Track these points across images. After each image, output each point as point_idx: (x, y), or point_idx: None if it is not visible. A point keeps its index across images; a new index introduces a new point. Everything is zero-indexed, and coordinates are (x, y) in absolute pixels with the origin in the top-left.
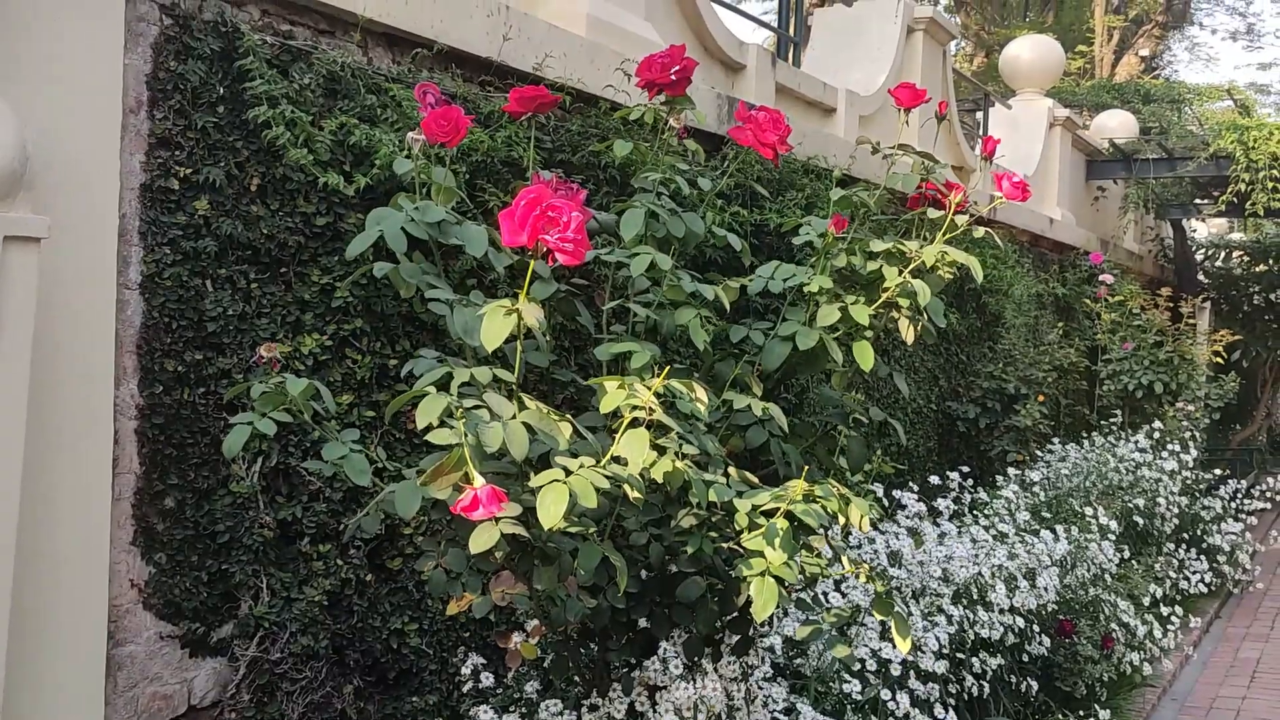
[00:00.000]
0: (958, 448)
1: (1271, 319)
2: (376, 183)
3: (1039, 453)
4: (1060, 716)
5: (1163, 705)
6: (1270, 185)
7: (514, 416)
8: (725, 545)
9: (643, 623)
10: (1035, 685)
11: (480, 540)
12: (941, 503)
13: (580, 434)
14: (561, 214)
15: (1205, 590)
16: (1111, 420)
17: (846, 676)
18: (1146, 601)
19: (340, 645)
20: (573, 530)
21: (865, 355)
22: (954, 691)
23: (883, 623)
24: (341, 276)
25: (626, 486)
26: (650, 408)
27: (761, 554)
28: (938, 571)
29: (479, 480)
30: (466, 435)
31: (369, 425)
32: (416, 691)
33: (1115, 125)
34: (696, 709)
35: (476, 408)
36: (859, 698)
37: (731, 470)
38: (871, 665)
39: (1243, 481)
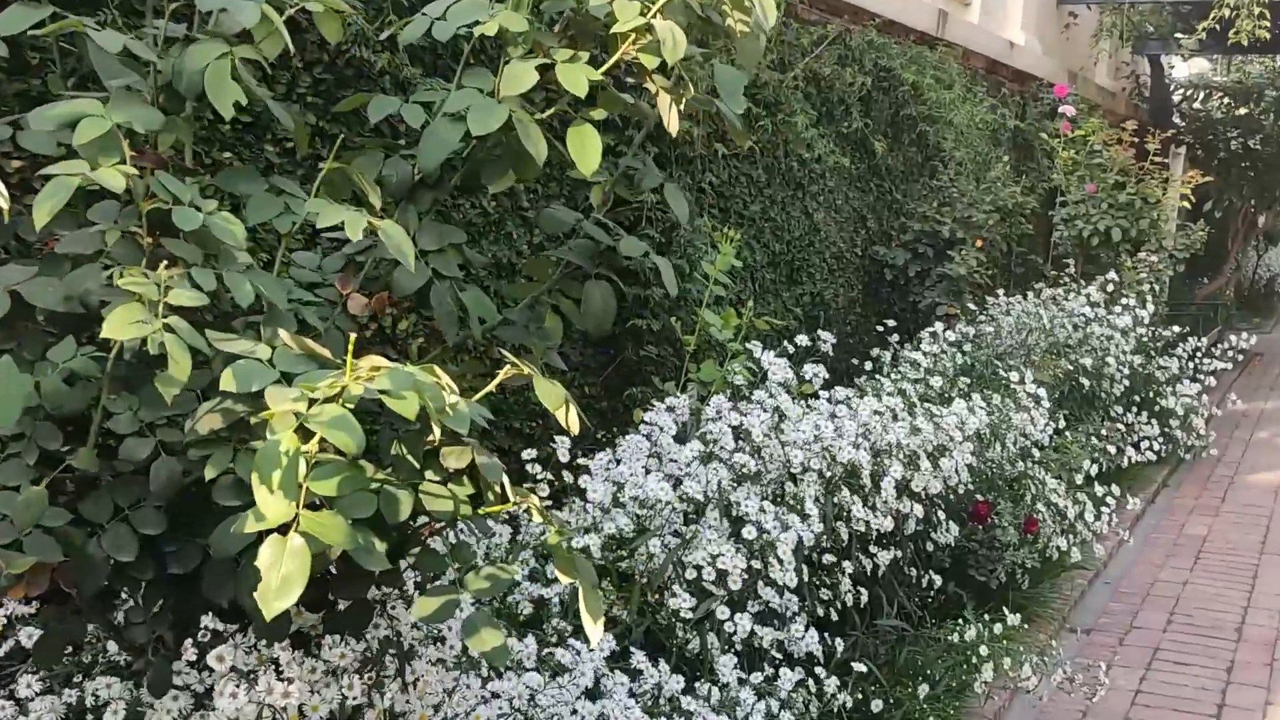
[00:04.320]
0: (889, 299)
1: (1248, 166)
2: None
3: (972, 306)
4: (960, 619)
5: (1094, 589)
6: (1257, 11)
7: None
8: None
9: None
10: (938, 580)
11: None
12: (810, 369)
13: None
14: None
15: (1155, 458)
16: (1064, 271)
17: (676, 590)
18: (1080, 479)
19: None
20: None
21: (586, 148)
22: (827, 598)
23: (735, 519)
24: None
25: None
26: None
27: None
28: (799, 456)
29: None
30: None
31: None
32: None
33: None
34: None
35: None
36: (688, 615)
37: (286, 336)
38: (710, 574)
39: (1203, 339)
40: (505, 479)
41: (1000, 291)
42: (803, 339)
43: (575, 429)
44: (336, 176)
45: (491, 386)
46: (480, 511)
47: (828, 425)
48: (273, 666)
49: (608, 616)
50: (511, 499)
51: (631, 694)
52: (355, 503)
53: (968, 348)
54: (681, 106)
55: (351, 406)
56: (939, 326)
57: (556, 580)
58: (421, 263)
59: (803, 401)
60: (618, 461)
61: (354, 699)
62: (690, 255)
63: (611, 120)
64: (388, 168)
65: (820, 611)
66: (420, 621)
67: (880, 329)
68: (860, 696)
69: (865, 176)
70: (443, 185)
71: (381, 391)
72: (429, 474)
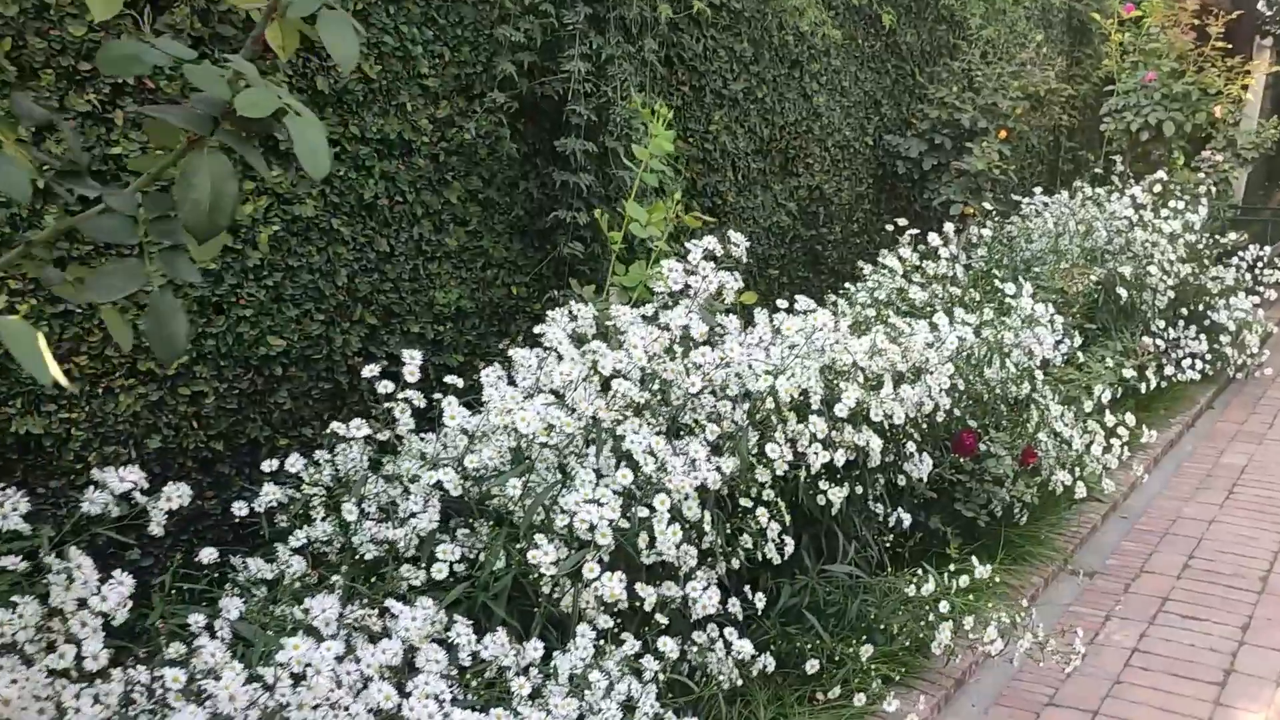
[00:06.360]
0: (907, 194)
1: None
2: None
3: (988, 205)
4: (922, 568)
5: (1109, 526)
6: None
7: None
8: None
9: None
10: (907, 518)
11: None
12: (719, 278)
13: None
14: None
15: (1199, 376)
16: (1110, 169)
17: (538, 540)
18: (1089, 406)
19: None
20: None
21: None
22: (749, 546)
23: (623, 456)
24: None
25: None
26: None
27: None
28: (698, 384)
29: None
30: None
31: None
32: None
33: None
34: None
35: None
36: (551, 570)
37: None
38: (582, 523)
39: (1266, 248)
40: None
41: (1038, 190)
42: (738, 237)
43: (62, 379)
44: None
45: None
46: None
47: (738, 349)
48: None
49: (467, 560)
50: None
51: (474, 663)
52: None
53: (981, 252)
54: None
55: None
56: (949, 228)
57: (409, 521)
58: None
59: (740, 314)
60: (511, 380)
61: None
62: (630, 137)
63: None
64: None
65: (736, 563)
66: None
67: (891, 228)
68: (796, 654)
69: (881, 55)
70: None
71: None
72: None
